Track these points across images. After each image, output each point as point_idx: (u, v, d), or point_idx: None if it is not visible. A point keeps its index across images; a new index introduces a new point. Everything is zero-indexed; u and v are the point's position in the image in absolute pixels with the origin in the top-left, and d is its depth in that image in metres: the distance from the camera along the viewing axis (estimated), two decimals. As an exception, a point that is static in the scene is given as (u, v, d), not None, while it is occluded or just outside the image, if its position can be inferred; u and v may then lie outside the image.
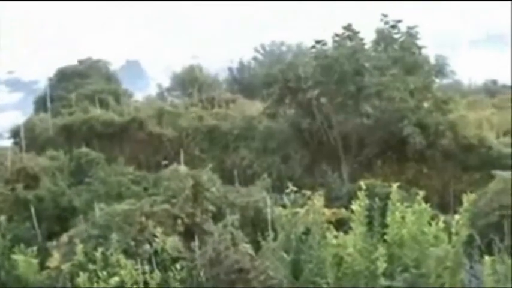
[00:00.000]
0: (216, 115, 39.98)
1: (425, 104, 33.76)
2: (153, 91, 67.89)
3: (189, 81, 57.51)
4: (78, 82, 47.49)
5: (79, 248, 17.27)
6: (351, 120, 33.51)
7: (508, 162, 30.17)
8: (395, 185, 13.87)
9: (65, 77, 49.21)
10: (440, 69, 35.32)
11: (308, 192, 18.30)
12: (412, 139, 30.80)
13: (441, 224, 13.59)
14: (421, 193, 13.48)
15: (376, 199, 14.66)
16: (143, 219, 19.50)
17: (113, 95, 44.37)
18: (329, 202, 20.33)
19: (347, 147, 33.18)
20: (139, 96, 57.41)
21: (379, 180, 26.02)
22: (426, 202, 13.97)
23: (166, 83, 66.33)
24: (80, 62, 51.95)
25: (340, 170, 32.69)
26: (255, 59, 69.23)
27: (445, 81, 37.34)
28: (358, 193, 14.10)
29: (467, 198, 13.57)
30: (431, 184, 31.14)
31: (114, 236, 17.45)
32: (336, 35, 34.35)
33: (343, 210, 20.30)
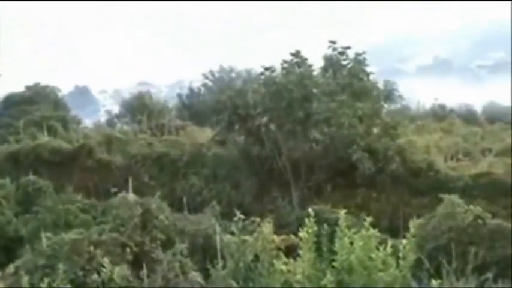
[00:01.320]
0: (166, 142, 39.96)
1: (374, 130, 34.02)
2: (102, 117, 67.73)
3: (139, 108, 57.43)
4: (25, 109, 47.12)
5: (25, 279, 16.92)
6: (300, 147, 33.67)
7: (455, 186, 30.60)
8: (342, 211, 13.91)
9: (12, 104, 48.82)
10: (388, 95, 35.60)
11: (257, 219, 18.26)
12: (361, 164, 31.01)
13: (389, 249, 13.62)
14: (368, 218, 13.51)
15: (325, 225, 14.69)
16: (91, 248, 19.22)
17: (61, 122, 44.12)
18: (279, 228, 20.32)
19: (297, 173, 33.27)
20: (88, 122, 57.24)
21: (329, 206, 26.18)
22: (375, 227, 14.02)
23: (116, 109, 66.24)
24: (28, 88, 51.55)
25: (290, 196, 32.80)
26: (204, 85, 69.48)
27: (394, 106, 37.63)
28: (306, 220, 14.11)
29: (414, 223, 13.66)
30: (381, 208, 31.41)
31: (61, 266, 17.13)
32: (285, 61, 34.54)
33: (292, 237, 20.27)
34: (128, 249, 20.05)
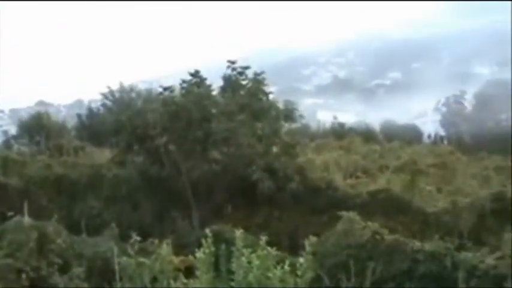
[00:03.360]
0: (64, 163, 39.11)
1: (274, 149, 34.22)
2: (-1, 138, 66.19)
3: (37, 128, 56.20)
4: None
5: None
6: (200, 167, 33.63)
7: (354, 203, 31.06)
8: (239, 231, 13.86)
9: None
10: (288, 114, 35.87)
11: (156, 241, 18.07)
12: (261, 183, 31.15)
13: (287, 267, 13.63)
14: (264, 237, 13.49)
15: (223, 245, 14.63)
16: (-15, 275, 18.67)
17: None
18: (179, 249, 20.21)
19: (197, 194, 33.15)
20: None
21: (229, 226, 26.10)
22: (275, 245, 14.03)
23: (13, 129, 64.76)
24: None
25: (190, 217, 32.61)
26: (104, 105, 68.63)
27: (294, 125, 37.95)
28: (203, 240, 14.00)
29: (310, 241, 13.73)
30: (282, 227, 31.53)
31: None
32: (184, 81, 34.51)
33: (192, 257, 20.13)
34: (24, 275, 19.59)
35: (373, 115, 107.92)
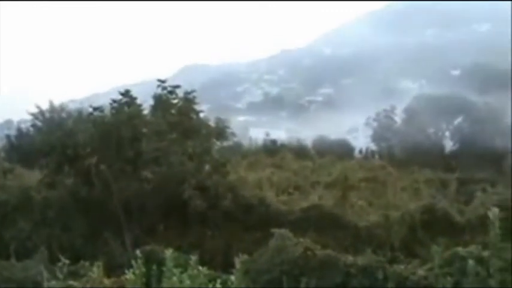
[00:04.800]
0: (-7, 186, 38.30)
1: (206, 167, 34.18)
2: None
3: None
4: None
5: None
6: (131, 186, 33.32)
7: (286, 219, 31.15)
8: (169, 251, 13.78)
9: None
10: (220, 132, 35.91)
11: (87, 263, 17.82)
12: (193, 202, 31.06)
13: (219, 286, 13.59)
14: (194, 257, 13.44)
15: (155, 265, 14.53)
16: None
17: None
18: (111, 271, 19.93)
19: (129, 214, 32.84)
20: None
21: (162, 245, 25.89)
22: (209, 264, 14.00)
23: None
24: None
25: (123, 237, 32.25)
26: (33, 125, 67.46)
27: (226, 143, 37.99)
28: (133, 261, 13.87)
29: (241, 259, 13.74)
30: (215, 245, 31.44)
31: None
32: (114, 101, 34.27)
33: (124, 279, 19.91)
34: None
35: (305, 131, 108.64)
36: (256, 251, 23.66)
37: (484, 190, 38.80)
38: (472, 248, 18.66)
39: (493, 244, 12.40)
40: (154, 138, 32.31)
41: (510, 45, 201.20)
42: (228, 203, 32.69)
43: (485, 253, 16.64)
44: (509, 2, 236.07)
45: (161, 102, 34.48)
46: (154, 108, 34.74)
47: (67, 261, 15.76)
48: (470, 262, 15.02)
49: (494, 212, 11.33)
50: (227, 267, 23.57)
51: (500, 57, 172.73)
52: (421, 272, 20.72)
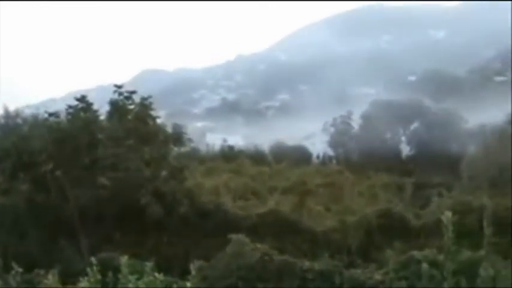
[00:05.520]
0: None
1: (163, 173, 34.04)
2: None
3: None
4: None
5: None
6: (87, 193, 32.99)
7: (243, 225, 31.15)
8: (125, 257, 13.66)
9: None
10: (177, 138, 35.82)
11: (42, 271, 17.62)
12: (149, 208, 30.91)
13: (175, 292, 13.56)
14: (149, 264, 13.35)
15: (110, 273, 14.40)
16: None
17: None
18: (67, 279, 19.71)
19: (85, 221, 32.55)
20: None
21: (119, 252, 25.70)
22: (166, 270, 13.95)
23: None
24: None
25: (79, 244, 31.96)
26: (-13, 132, 66.45)
27: (183, 149, 37.91)
28: (88, 269, 13.73)
29: (195, 265, 13.71)
30: (173, 251, 31.34)
31: None
32: (70, 106, 33.97)
33: (79, 286, 19.73)
34: None
35: (262, 137, 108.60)
36: (214, 256, 23.65)
37: (439, 194, 39.25)
38: (427, 252, 18.87)
39: (447, 247, 12.51)
40: (110, 144, 32.12)
41: (465, 51, 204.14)
42: (185, 209, 32.63)
43: (440, 256, 16.80)
44: (461, 9, 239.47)
45: (117, 108, 34.27)
46: (110, 114, 34.52)
47: (20, 270, 15.59)
48: (425, 265, 15.14)
49: (447, 216, 11.41)
50: (184, 273, 23.53)
51: (456, 63, 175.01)
52: (377, 276, 20.89)
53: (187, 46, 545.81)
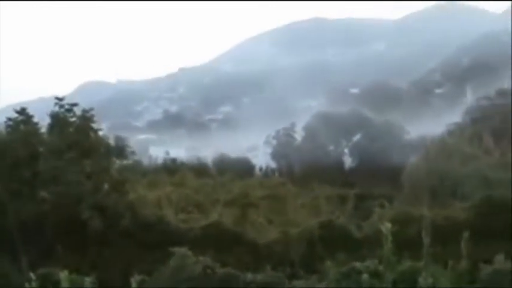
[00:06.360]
0: None
1: (105, 186, 33.77)
2: None
3: None
4: None
5: None
6: (28, 207, 32.50)
7: (186, 238, 31.02)
8: (64, 272, 13.56)
9: None
10: (120, 151, 35.58)
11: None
12: (91, 222, 30.61)
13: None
14: (88, 279, 13.28)
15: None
16: None
17: None
18: (7, 294, 19.52)
19: (26, 235, 32.02)
20: None
21: (60, 267, 25.39)
22: (108, 284, 13.88)
23: None
24: None
25: (19, 260, 31.42)
26: None
27: (126, 161, 37.66)
28: (27, 284, 13.58)
29: (135, 279, 13.66)
30: (115, 265, 31.03)
31: None
32: (9, 119, 33.56)
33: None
34: None
35: (205, 149, 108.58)
36: (156, 270, 23.52)
37: (381, 205, 39.59)
38: (368, 262, 19.03)
39: (386, 258, 12.72)
40: (51, 157, 31.76)
41: (407, 63, 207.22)
42: (127, 222, 32.38)
43: (381, 267, 17.00)
44: (402, 23, 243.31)
45: (58, 120, 33.94)
46: (51, 126, 34.16)
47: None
48: (365, 276, 15.34)
49: (386, 227, 11.61)
50: (126, 287, 23.39)
51: (398, 75, 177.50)
52: (319, 287, 21.01)
53: (130, 58, 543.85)
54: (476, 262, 20.11)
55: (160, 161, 77.90)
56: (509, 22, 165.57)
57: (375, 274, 16.77)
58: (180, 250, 23.71)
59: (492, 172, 44.10)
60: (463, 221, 30.25)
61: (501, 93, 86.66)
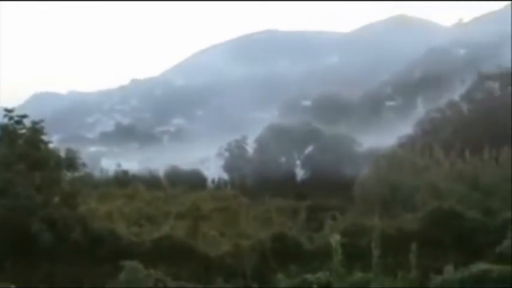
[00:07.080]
0: None
1: (55, 199, 33.43)
2: None
3: None
4: None
5: None
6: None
7: (137, 251, 30.84)
8: (12, 287, 13.41)
9: None
10: (71, 163, 35.24)
11: None
12: (41, 235, 30.24)
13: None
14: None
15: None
16: None
17: None
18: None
19: (-27, 250, 31.56)
20: None
21: (9, 282, 25.09)
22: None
23: None
24: None
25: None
26: None
27: (77, 174, 37.33)
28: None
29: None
30: (65, 280, 30.67)
31: None
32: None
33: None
34: None
35: (157, 162, 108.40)
36: (106, 284, 23.39)
37: (333, 217, 39.82)
38: (320, 274, 19.14)
39: (336, 269, 12.82)
40: (0, 169, 31.35)
41: (359, 76, 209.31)
42: (77, 236, 32.01)
43: (332, 278, 17.12)
44: (354, 35, 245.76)
45: (8, 132, 33.52)
46: (0, 139, 33.73)
47: None
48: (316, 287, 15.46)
49: (335, 239, 11.70)
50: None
51: (350, 88, 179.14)
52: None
53: (82, 68, 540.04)
54: (426, 272, 20.35)
55: (111, 173, 77.62)
56: (459, 35, 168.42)
57: (326, 286, 16.88)
58: (131, 263, 23.63)
59: (442, 183, 44.55)
60: (413, 231, 30.51)
61: (451, 105, 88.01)
